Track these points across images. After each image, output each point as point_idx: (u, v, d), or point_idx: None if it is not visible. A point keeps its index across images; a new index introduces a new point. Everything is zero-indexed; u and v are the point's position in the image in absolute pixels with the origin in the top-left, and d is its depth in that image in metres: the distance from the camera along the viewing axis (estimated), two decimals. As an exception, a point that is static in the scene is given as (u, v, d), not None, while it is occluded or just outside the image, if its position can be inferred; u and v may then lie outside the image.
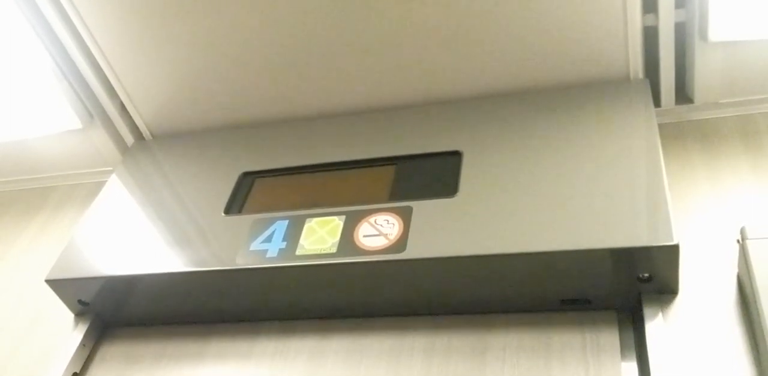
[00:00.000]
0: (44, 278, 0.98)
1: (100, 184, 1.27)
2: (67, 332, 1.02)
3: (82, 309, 1.01)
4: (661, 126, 0.94)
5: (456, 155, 0.95)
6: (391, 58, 1.05)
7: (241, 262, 0.90)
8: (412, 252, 0.84)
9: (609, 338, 0.80)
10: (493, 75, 1.04)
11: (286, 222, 0.93)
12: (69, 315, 1.03)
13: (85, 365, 0.98)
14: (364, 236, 0.88)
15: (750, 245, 0.78)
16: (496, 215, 0.85)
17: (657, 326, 0.78)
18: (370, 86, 1.09)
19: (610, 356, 0.79)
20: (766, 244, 0.77)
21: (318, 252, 0.88)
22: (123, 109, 1.20)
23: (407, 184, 0.94)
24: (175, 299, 0.96)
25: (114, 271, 0.95)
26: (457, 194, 0.89)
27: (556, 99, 0.99)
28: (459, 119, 1.02)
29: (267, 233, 0.93)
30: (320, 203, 0.95)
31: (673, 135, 1.02)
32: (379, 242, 0.86)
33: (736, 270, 0.83)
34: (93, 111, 1.19)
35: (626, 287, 0.81)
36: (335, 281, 0.88)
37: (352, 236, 0.88)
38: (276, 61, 1.08)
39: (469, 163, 0.93)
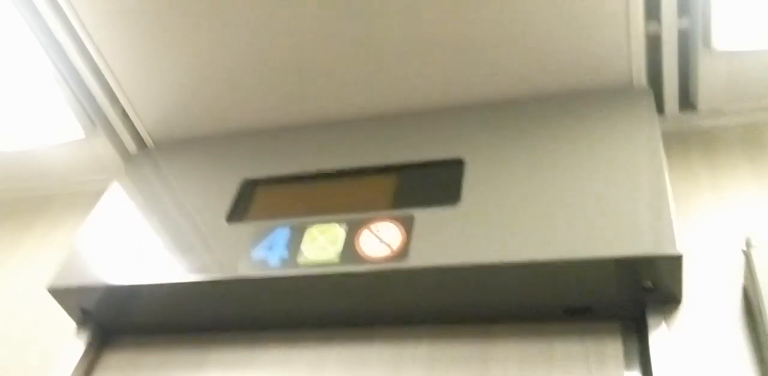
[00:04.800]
0: (46, 286, 0.98)
1: (101, 192, 1.27)
2: (68, 341, 1.01)
3: (84, 318, 1.01)
4: (664, 134, 0.94)
5: (458, 163, 0.95)
6: (393, 66, 1.05)
7: (243, 271, 0.89)
8: (414, 261, 0.83)
9: (612, 348, 0.80)
10: (495, 82, 1.04)
11: (288, 230, 0.93)
12: (71, 324, 1.03)
13: (87, 374, 0.97)
14: (366, 245, 0.87)
15: (755, 253, 0.77)
16: (498, 224, 0.84)
17: (661, 336, 0.78)
18: (372, 94, 1.08)
19: (613, 366, 0.78)
20: (771, 253, 0.76)
21: (320, 261, 0.87)
22: (125, 116, 1.20)
23: (409, 193, 0.94)
24: (177, 308, 0.96)
25: (116, 280, 0.94)
26: (460, 202, 0.89)
27: (559, 107, 0.99)
28: (461, 127, 1.01)
29: (269, 241, 0.92)
30: (322, 211, 0.95)
31: (676, 143, 1.01)
32: (381, 251, 0.86)
33: (741, 279, 0.82)
34: (95, 119, 1.20)
35: (630, 296, 0.80)
36: (337, 289, 0.88)
37: (353, 244, 0.88)
38: (278, 68, 1.08)
39: (472, 171, 0.93)
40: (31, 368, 1.00)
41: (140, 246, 0.98)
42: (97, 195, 1.28)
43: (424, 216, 0.88)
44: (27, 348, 1.04)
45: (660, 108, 1.04)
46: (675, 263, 0.76)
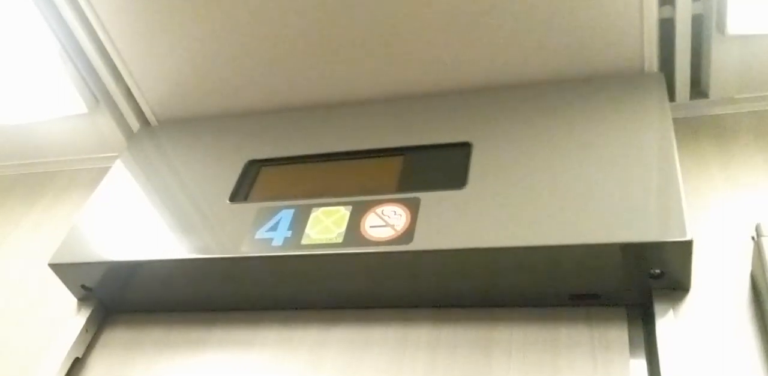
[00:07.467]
0: (47, 262, 0.97)
1: (104, 170, 1.26)
2: (69, 317, 1.01)
3: (85, 294, 1.01)
4: (675, 121, 0.93)
5: (465, 147, 0.94)
6: (401, 47, 1.03)
7: (246, 250, 0.89)
8: (418, 244, 0.83)
9: (618, 335, 0.79)
10: (505, 65, 1.03)
11: (292, 211, 0.92)
12: (72, 300, 1.03)
13: (87, 351, 0.97)
14: (371, 227, 0.87)
15: (765, 241, 0.76)
16: (504, 208, 0.83)
17: (667, 323, 0.77)
18: (380, 75, 1.07)
19: (618, 353, 0.78)
20: (781, 241, 0.76)
21: (323, 242, 0.87)
22: (129, 94, 1.19)
23: (415, 175, 0.93)
24: (178, 286, 0.95)
25: (117, 256, 0.94)
26: (466, 185, 0.88)
27: (569, 91, 0.98)
28: (469, 110, 1.00)
29: (272, 221, 0.92)
30: (327, 192, 0.94)
31: (687, 130, 1.00)
32: (386, 233, 0.85)
33: (749, 267, 0.82)
34: (99, 95, 1.18)
35: (637, 282, 0.80)
36: (340, 271, 0.87)
37: (358, 226, 0.87)
38: (284, 48, 1.07)
39: (479, 154, 0.92)
40: (32, 344, 1.00)
41: (142, 224, 0.98)
42: (100, 172, 1.28)
43: (430, 199, 0.88)
44: (28, 324, 1.03)
45: (671, 94, 1.02)
46: (684, 249, 0.76)
